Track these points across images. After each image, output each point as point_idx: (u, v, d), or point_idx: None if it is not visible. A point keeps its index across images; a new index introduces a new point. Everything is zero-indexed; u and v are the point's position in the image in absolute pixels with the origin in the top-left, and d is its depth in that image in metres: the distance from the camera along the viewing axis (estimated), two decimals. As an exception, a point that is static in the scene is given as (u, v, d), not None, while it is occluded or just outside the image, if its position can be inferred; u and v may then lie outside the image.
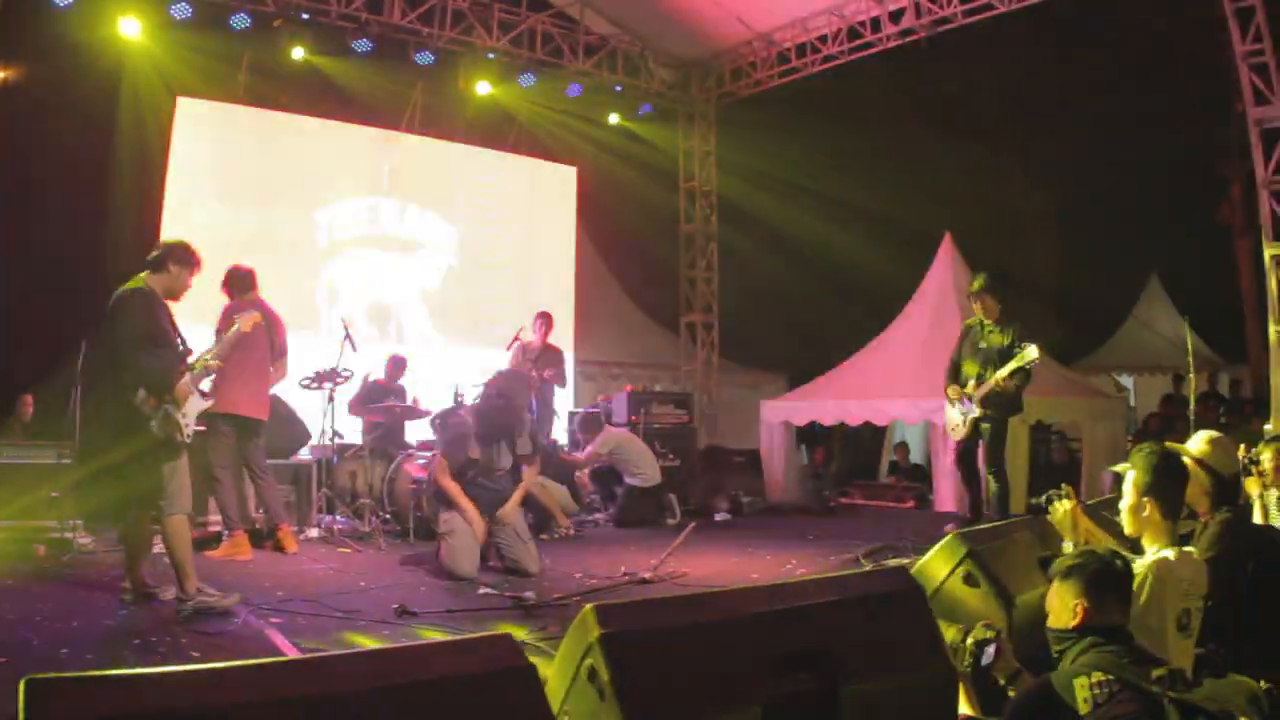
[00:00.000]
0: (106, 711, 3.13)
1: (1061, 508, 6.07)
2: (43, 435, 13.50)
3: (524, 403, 11.65)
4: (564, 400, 17.74)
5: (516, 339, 16.08)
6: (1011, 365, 12.24)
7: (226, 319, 11.44)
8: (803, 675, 4.62)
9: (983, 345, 12.71)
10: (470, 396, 14.74)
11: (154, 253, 9.26)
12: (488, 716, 3.72)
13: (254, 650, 7.26)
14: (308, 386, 13.24)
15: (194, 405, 8.94)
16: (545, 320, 16.29)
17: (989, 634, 4.90)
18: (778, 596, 5.17)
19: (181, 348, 9.06)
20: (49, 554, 11.18)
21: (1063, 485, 6.24)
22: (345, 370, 13.42)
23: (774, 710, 4.49)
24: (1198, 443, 6.26)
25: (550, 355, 16.13)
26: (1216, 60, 17.76)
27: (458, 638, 4.47)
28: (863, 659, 4.90)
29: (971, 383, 12.55)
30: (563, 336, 19.19)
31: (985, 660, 4.75)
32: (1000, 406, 12.56)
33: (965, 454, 13.08)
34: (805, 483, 19.27)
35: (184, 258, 9.17)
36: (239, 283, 11.97)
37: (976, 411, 12.48)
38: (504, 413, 11.25)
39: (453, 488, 10.91)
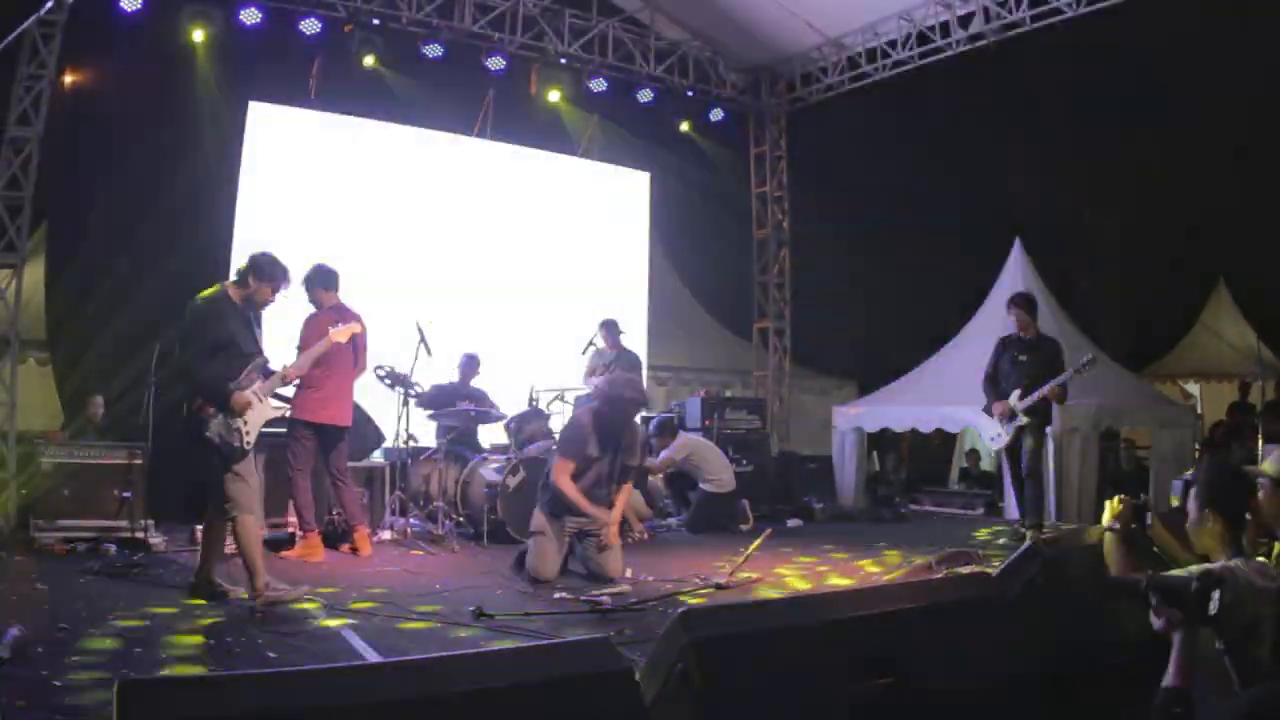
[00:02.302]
0: (198, 714, 3.13)
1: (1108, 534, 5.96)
2: (113, 436, 13.63)
3: (628, 411, 11.11)
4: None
5: (591, 345, 16.12)
6: (1070, 374, 12.60)
7: (310, 329, 11.54)
8: (887, 679, 4.61)
9: (1022, 359, 12.97)
10: (544, 401, 14.80)
11: (242, 265, 9.36)
12: (587, 719, 3.72)
13: (330, 652, 7.27)
14: (382, 379, 13.21)
15: (259, 413, 9.02)
16: (609, 326, 16.26)
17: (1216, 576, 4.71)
18: (862, 601, 5.18)
19: (258, 356, 9.15)
20: (120, 554, 11.23)
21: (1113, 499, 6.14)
22: (417, 385, 13.45)
23: (858, 713, 4.49)
24: (1271, 460, 6.14)
25: (624, 360, 16.08)
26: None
27: (557, 641, 4.45)
28: (945, 663, 4.89)
29: (1015, 394, 12.71)
30: (635, 342, 19.20)
31: (1212, 608, 4.57)
32: (1042, 416, 12.88)
33: (1014, 461, 13.26)
34: (876, 489, 19.20)
35: (264, 272, 9.19)
36: (318, 281, 11.98)
37: (1023, 420, 12.70)
38: (611, 419, 10.88)
39: (572, 489, 10.58)
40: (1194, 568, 4.92)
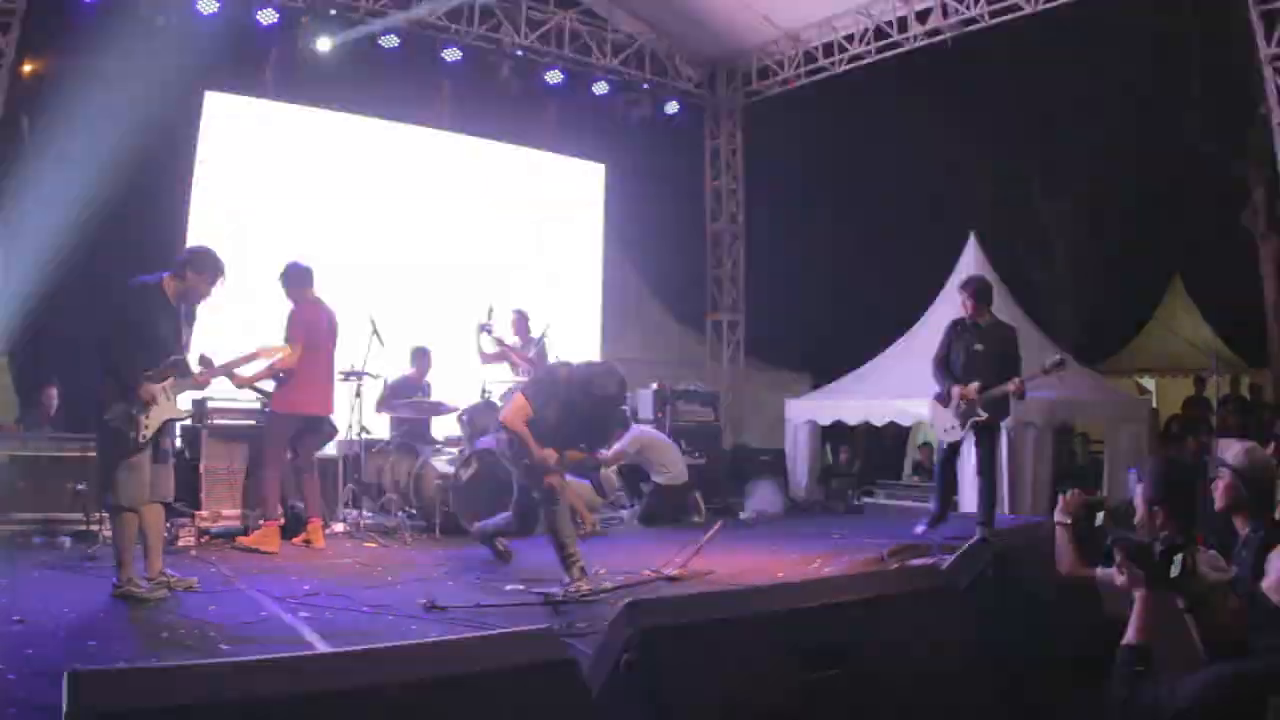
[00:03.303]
0: (149, 704, 3.16)
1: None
2: (67, 427, 13.57)
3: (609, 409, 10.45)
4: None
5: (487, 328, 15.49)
6: (1036, 373, 12.32)
7: (295, 324, 11.66)
8: (834, 670, 4.66)
9: (978, 348, 12.46)
10: (497, 394, 14.70)
11: (179, 257, 9.32)
12: (531, 709, 3.76)
13: (282, 643, 7.28)
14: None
15: (162, 410, 8.87)
16: (522, 316, 15.98)
17: (1180, 541, 4.76)
18: (810, 593, 5.22)
19: (178, 354, 9.06)
20: (74, 546, 11.19)
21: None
22: (372, 372, 13.44)
23: (806, 703, 4.53)
24: (1233, 453, 6.19)
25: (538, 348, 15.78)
26: (1242, 62, 17.78)
27: (500, 631, 4.47)
28: (894, 654, 4.95)
29: (973, 387, 12.20)
30: (589, 334, 19.25)
31: (1174, 571, 4.62)
32: (998, 410, 12.50)
33: (951, 457, 13.09)
34: (829, 482, 19.26)
35: (201, 265, 9.14)
36: (295, 280, 12.10)
37: (982, 416, 12.32)
38: (586, 412, 10.01)
39: (523, 427, 9.90)
40: None
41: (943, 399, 12.64)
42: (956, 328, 12.83)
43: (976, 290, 12.74)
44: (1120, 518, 6.01)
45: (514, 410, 10.06)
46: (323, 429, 12.34)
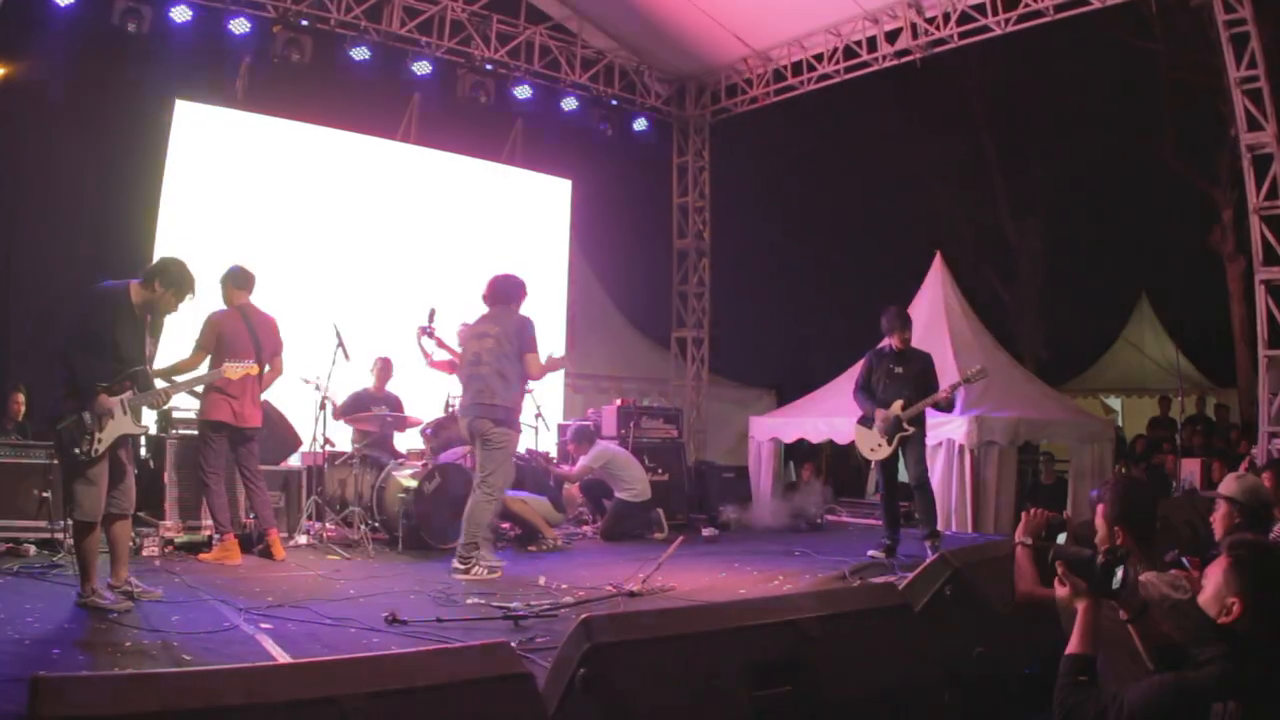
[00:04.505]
0: (112, 712, 3.19)
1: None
2: (34, 434, 13.52)
3: None
4: (554, 413, 17.71)
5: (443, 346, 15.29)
6: (960, 381, 13.12)
7: (203, 332, 11.54)
8: (787, 686, 4.69)
9: (898, 370, 12.98)
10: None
11: (150, 265, 9.25)
12: (485, 720, 3.79)
13: (244, 655, 7.27)
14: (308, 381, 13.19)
15: (118, 424, 8.69)
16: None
17: (1121, 554, 4.80)
18: (765, 610, 5.24)
19: (138, 366, 8.92)
20: (39, 554, 11.16)
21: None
22: (327, 393, 13.40)
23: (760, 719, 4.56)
24: (1226, 481, 6.27)
25: None
26: (1210, 85, 17.92)
27: (456, 645, 4.51)
28: (847, 671, 4.97)
29: (898, 404, 12.72)
30: (554, 350, 19.27)
31: (1115, 583, 4.67)
32: (920, 424, 12.91)
33: (891, 482, 13.48)
34: (792, 499, 19.28)
35: (171, 279, 8.99)
36: (230, 281, 11.97)
37: (909, 431, 12.72)
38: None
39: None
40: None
41: (866, 421, 13.17)
42: (874, 357, 13.38)
43: (899, 319, 13.25)
44: (1083, 538, 6.05)
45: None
46: (254, 439, 12.21)
